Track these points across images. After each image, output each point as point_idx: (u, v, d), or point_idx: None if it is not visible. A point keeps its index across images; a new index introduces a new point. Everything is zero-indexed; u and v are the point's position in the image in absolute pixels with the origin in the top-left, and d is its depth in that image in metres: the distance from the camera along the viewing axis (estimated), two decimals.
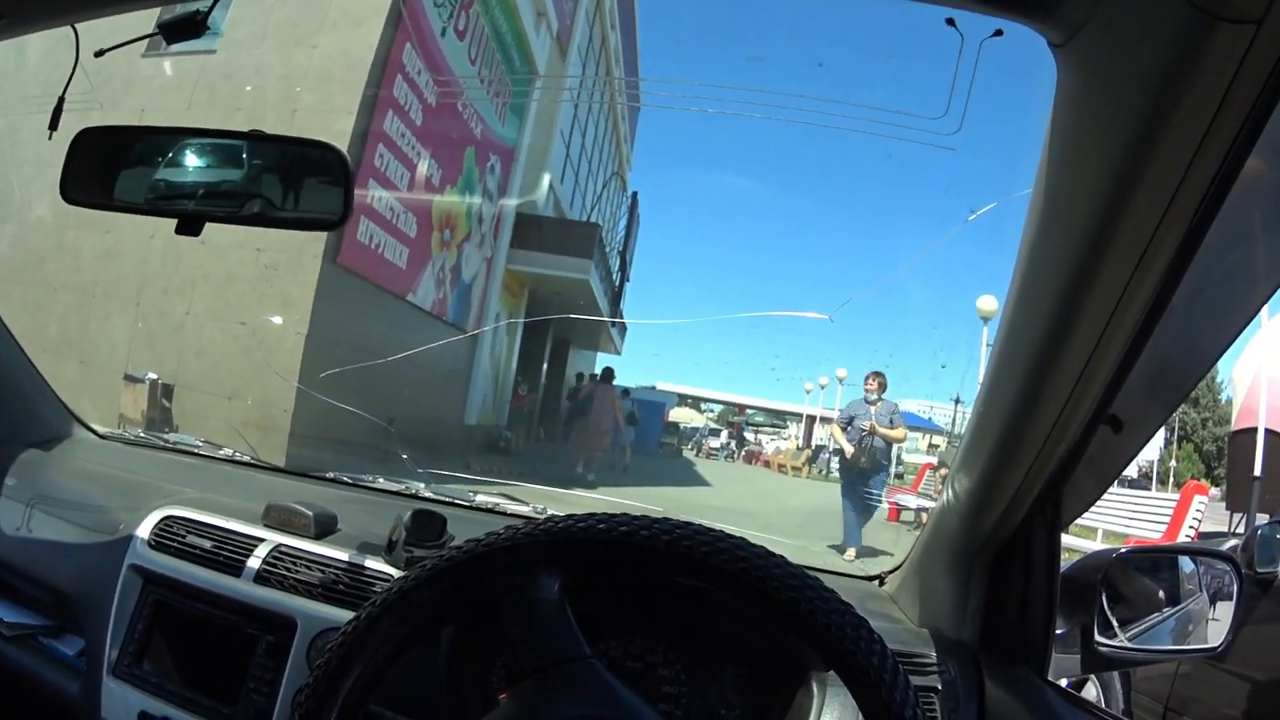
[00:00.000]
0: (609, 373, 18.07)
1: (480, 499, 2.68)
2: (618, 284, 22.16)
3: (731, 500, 16.62)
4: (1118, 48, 0.90)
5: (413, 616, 1.21)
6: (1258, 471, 10.80)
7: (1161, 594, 2.18)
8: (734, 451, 32.52)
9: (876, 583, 2.31)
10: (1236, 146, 0.90)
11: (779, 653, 1.66)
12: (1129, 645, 1.91)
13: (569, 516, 1.23)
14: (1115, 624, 1.87)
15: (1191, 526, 10.59)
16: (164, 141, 1.66)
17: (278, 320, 11.86)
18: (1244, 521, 10.81)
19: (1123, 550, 1.98)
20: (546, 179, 19.45)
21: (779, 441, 33.22)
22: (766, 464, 28.84)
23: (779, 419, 37.86)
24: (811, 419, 29.17)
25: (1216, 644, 2.06)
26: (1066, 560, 1.76)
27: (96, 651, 1.90)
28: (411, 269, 14.91)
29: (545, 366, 22.73)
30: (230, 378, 11.89)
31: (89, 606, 1.96)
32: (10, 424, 2.56)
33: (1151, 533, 11.09)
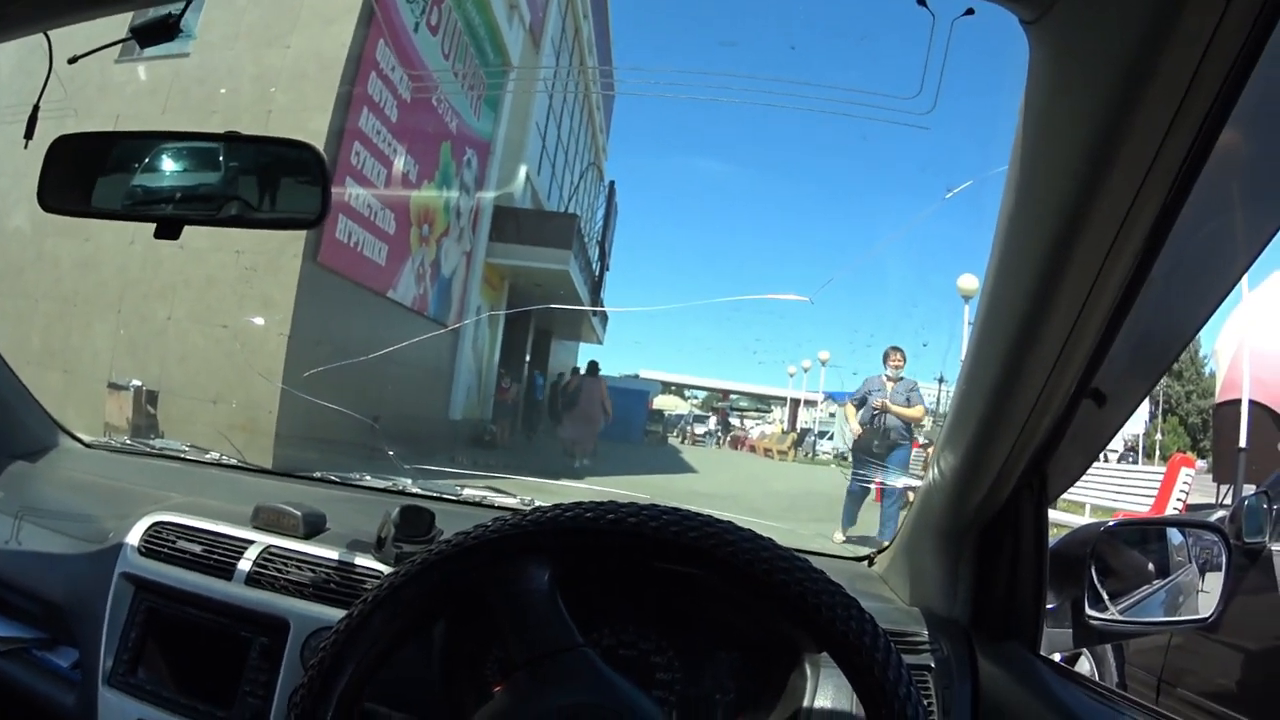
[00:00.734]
0: (594, 366, 18.33)
1: (468, 493, 2.69)
2: (598, 273, 22.19)
3: (718, 486, 16.63)
4: (1089, 24, 0.90)
5: (404, 612, 1.21)
6: (1243, 443, 10.84)
7: (1151, 566, 2.19)
8: (720, 437, 32.55)
9: (866, 563, 2.31)
10: (1210, 120, 0.90)
11: (771, 636, 1.66)
12: (1120, 618, 1.92)
13: (556, 506, 1.22)
14: (1106, 597, 1.87)
15: (1179, 499, 10.63)
16: (140, 146, 1.66)
17: (259, 322, 11.85)
18: (1231, 493, 10.85)
19: (1111, 523, 1.99)
20: (523, 171, 19.45)
21: (764, 426, 33.27)
22: (752, 449, 28.90)
23: (763, 403, 37.93)
24: (795, 402, 29.23)
25: (1207, 615, 2.07)
26: (1055, 535, 1.76)
27: (91, 662, 1.89)
28: (391, 265, 14.90)
29: (528, 359, 22.72)
30: (214, 381, 11.86)
31: (82, 617, 1.95)
32: None
33: (1139, 506, 11.14)
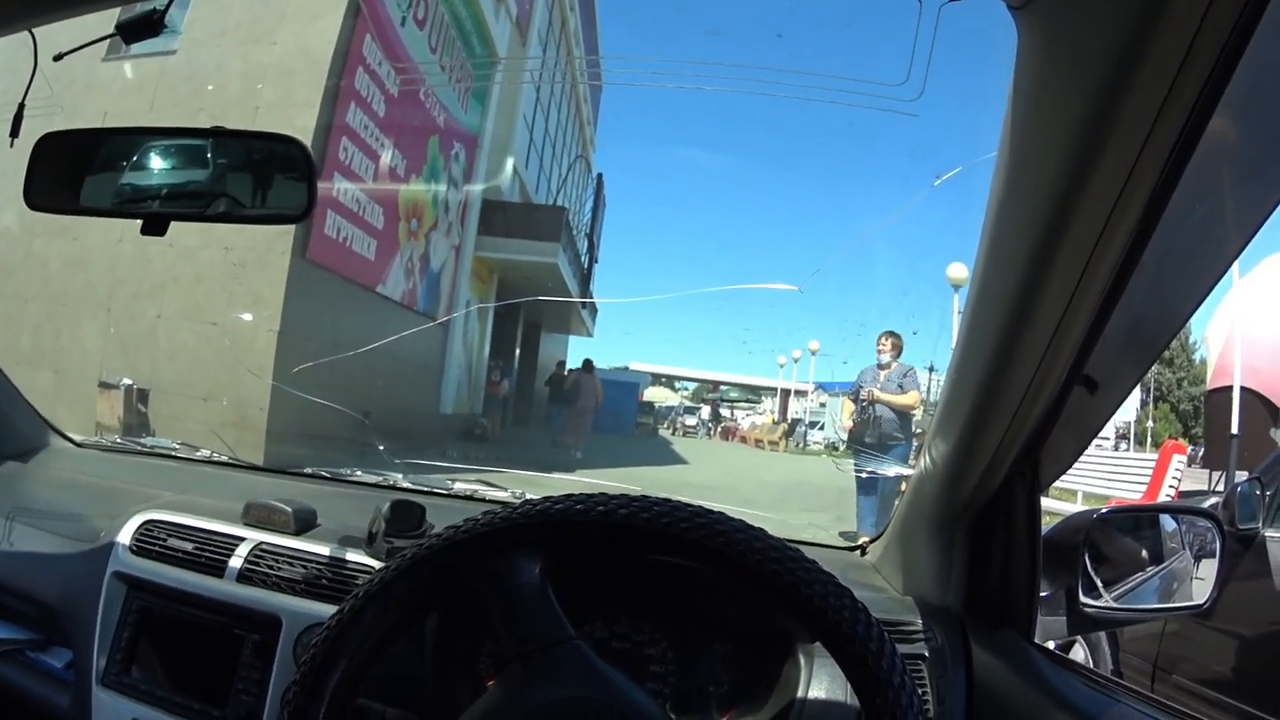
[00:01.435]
0: (589, 363, 19.27)
1: (458, 487, 2.69)
2: (586, 266, 22.27)
3: (709, 477, 16.68)
4: (1077, 8, 0.89)
5: (395, 607, 1.21)
6: (1235, 429, 10.89)
7: (1145, 553, 2.19)
8: (710, 429, 32.60)
9: (858, 553, 2.31)
10: (1200, 104, 0.90)
11: (764, 627, 1.66)
12: (1114, 605, 1.91)
13: (546, 499, 1.22)
14: (1099, 584, 1.87)
15: (1171, 486, 10.64)
16: (127, 142, 1.65)
17: (249, 318, 11.84)
18: (1223, 479, 10.89)
19: (1104, 511, 1.99)
20: (511, 164, 19.48)
21: (755, 417, 33.34)
22: (743, 439, 28.97)
23: (753, 394, 38.02)
24: (786, 393, 29.33)
25: (1202, 601, 2.07)
26: (1048, 523, 1.76)
27: (84, 662, 1.88)
28: (380, 260, 14.91)
29: (518, 352, 22.74)
30: (205, 379, 11.87)
31: (74, 617, 1.94)
32: None
33: (1132, 493, 11.15)
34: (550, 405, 20.48)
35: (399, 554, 1.23)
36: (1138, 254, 1.09)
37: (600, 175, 26.15)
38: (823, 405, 25.51)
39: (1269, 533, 4.49)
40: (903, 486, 2.20)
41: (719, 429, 32.35)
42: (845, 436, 10.13)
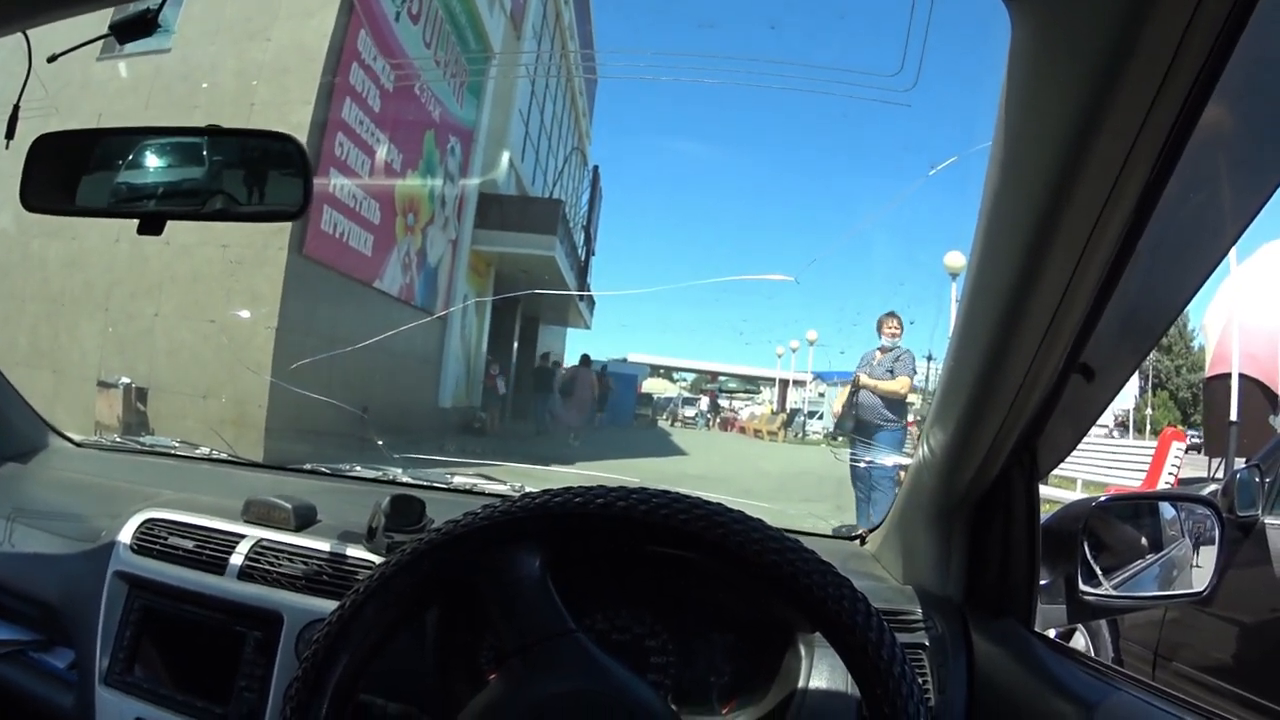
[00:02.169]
0: (586, 358, 20.19)
1: (458, 481, 2.70)
2: (583, 258, 22.30)
3: (709, 468, 16.73)
4: None
5: (395, 602, 1.21)
6: (1234, 416, 10.89)
7: (1144, 541, 2.19)
8: (709, 419, 32.62)
9: (858, 542, 2.32)
10: (1195, 92, 0.90)
11: (765, 617, 1.67)
12: (1114, 593, 1.92)
13: (545, 492, 1.22)
14: (1099, 572, 1.87)
15: (1170, 473, 10.67)
16: (122, 142, 1.65)
17: (247, 315, 11.85)
18: (1222, 466, 10.90)
19: (1103, 499, 1.99)
20: (507, 157, 19.53)
21: (753, 407, 33.37)
22: (742, 430, 29.02)
23: (752, 384, 38.03)
24: (784, 383, 29.32)
25: (1201, 589, 2.07)
26: (1047, 511, 1.76)
27: (87, 662, 1.88)
28: (377, 255, 14.95)
29: (516, 345, 22.77)
30: (203, 377, 11.89)
31: (76, 617, 1.95)
32: None
33: (1131, 481, 11.17)
34: (535, 395, 20.94)
35: (399, 549, 1.23)
36: (1133, 242, 1.09)
37: (596, 168, 26.21)
38: (821, 395, 25.50)
39: (1268, 519, 4.50)
40: (901, 475, 2.20)
41: (718, 420, 32.38)
42: (833, 424, 9.88)
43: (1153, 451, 11.57)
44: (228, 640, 1.79)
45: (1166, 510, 2.28)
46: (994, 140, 1.11)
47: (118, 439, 3.21)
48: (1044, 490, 1.71)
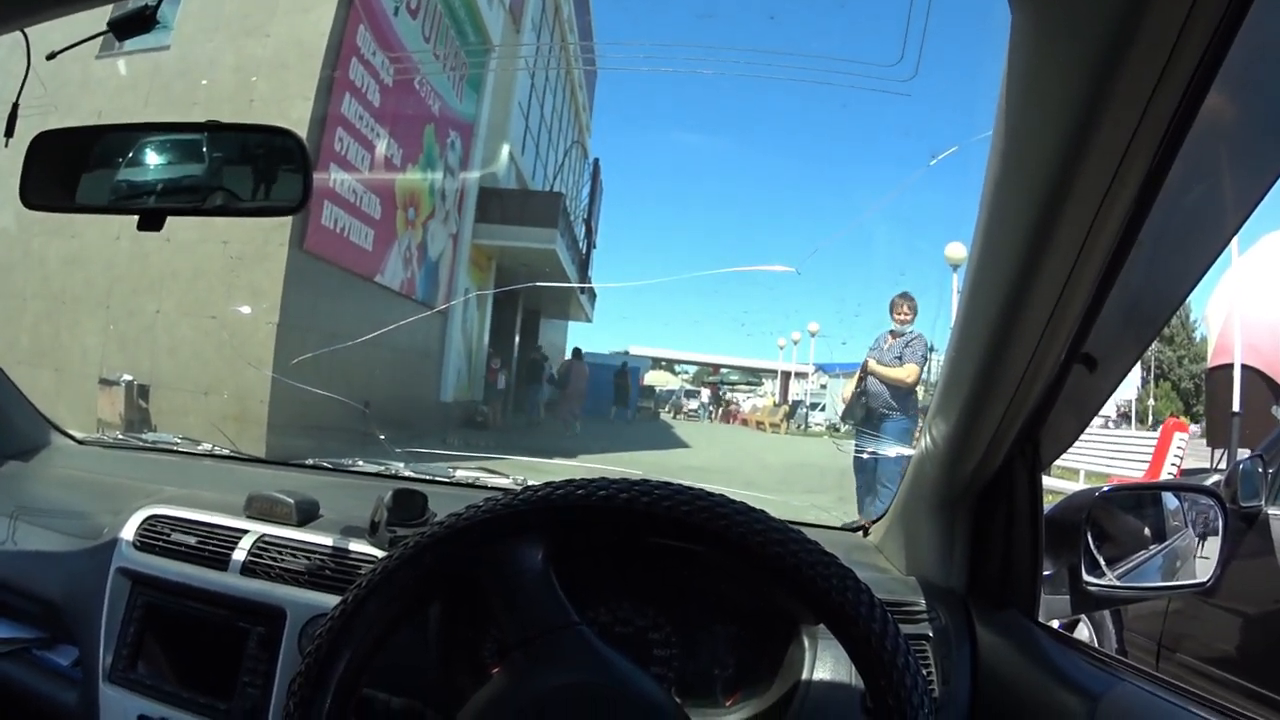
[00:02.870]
0: (578, 351, 21.15)
1: (460, 474, 2.70)
2: (584, 251, 22.34)
3: (711, 460, 16.74)
4: None
5: (398, 596, 1.21)
6: (1236, 407, 10.90)
7: (1147, 531, 2.19)
8: (711, 411, 32.65)
9: (861, 533, 2.31)
10: (1196, 80, 0.90)
11: (768, 609, 1.67)
12: (1117, 584, 1.91)
13: (547, 485, 1.22)
14: (1102, 563, 1.87)
15: (1173, 464, 10.64)
16: (121, 139, 1.65)
17: (248, 311, 11.85)
18: (1225, 457, 10.90)
19: (1106, 489, 1.98)
20: (507, 151, 19.55)
21: (755, 399, 33.37)
22: (744, 422, 29.02)
23: (754, 376, 38.01)
24: (786, 374, 29.34)
25: (1205, 579, 2.07)
26: (1050, 502, 1.76)
27: (91, 659, 1.88)
28: (378, 250, 14.95)
29: (517, 339, 22.81)
30: (205, 373, 11.89)
31: (80, 614, 1.95)
32: None
33: (1134, 472, 11.15)
34: (528, 387, 21.25)
35: (401, 543, 1.23)
36: (1135, 231, 1.09)
37: (596, 160, 26.29)
38: (823, 387, 25.53)
39: (1272, 510, 4.49)
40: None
41: (720, 412, 32.40)
42: (839, 412, 9.70)
43: (1155, 442, 11.55)
44: (231, 636, 1.79)
45: (1170, 501, 2.28)
46: (994, 129, 1.11)
47: (120, 436, 3.21)
48: (1047, 481, 1.71)
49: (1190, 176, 1.05)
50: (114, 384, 11.87)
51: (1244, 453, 7.52)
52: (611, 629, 1.70)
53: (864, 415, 8.55)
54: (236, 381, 11.56)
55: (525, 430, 18.73)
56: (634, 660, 1.21)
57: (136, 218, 1.55)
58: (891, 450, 7.83)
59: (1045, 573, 1.72)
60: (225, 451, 2.98)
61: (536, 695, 1.14)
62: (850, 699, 1.57)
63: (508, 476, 2.63)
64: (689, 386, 37.97)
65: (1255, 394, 11.14)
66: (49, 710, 1.94)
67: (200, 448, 2.96)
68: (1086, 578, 1.79)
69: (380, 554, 1.75)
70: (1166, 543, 2.20)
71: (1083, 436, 1.74)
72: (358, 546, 1.83)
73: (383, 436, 4.69)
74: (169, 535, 1.93)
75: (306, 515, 1.95)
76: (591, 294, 24.67)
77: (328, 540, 1.85)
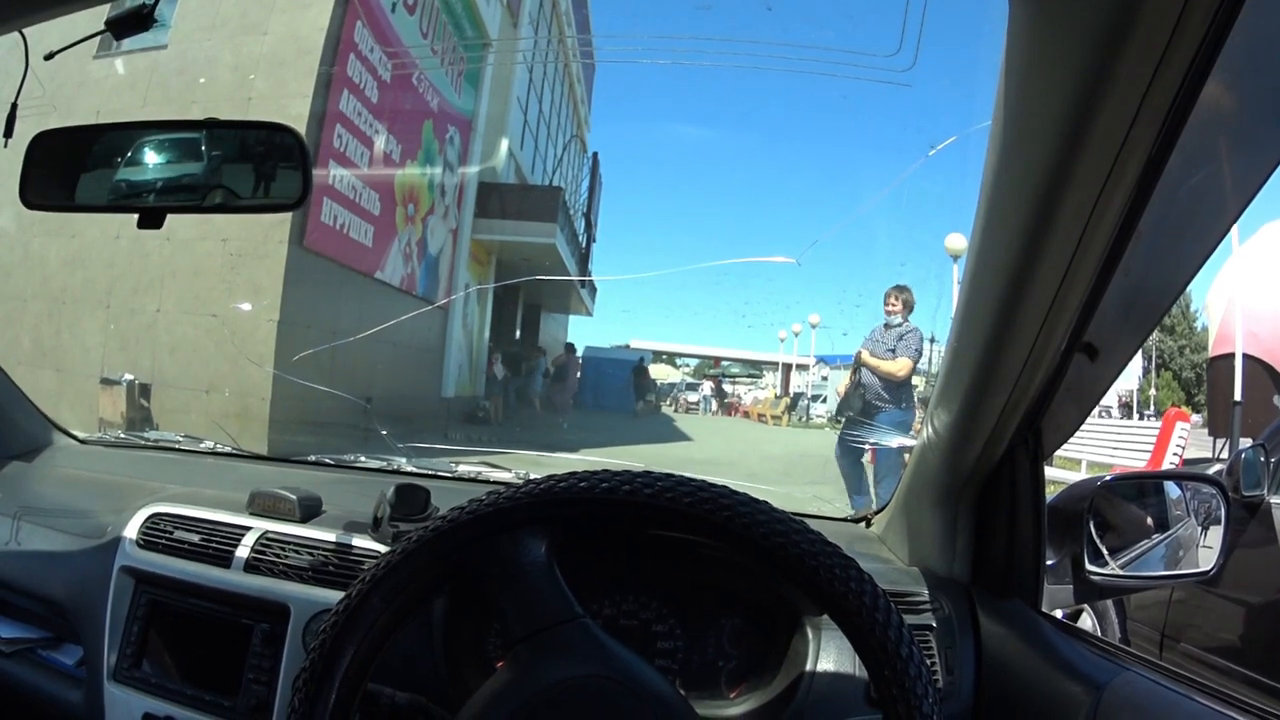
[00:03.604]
0: (570, 346, 21.79)
1: (462, 469, 2.70)
2: (584, 245, 22.36)
3: (714, 453, 16.76)
4: None
5: (402, 591, 1.20)
6: (1238, 396, 10.90)
7: (1150, 520, 2.19)
8: (713, 403, 32.64)
9: (863, 524, 2.32)
10: (1194, 69, 0.90)
11: (771, 600, 1.67)
12: (1120, 573, 1.91)
13: (549, 478, 1.22)
14: (1105, 552, 1.87)
15: (1175, 453, 10.65)
16: (120, 137, 1.65)
17: (248, 309, 11.85)
18: (1227, 446, 10.90)
19: (1108, 478, 1.98)
20: (505, 146, 19.54)
21: (757, 391, 33.36)
22: (746, 414, 29.03)
23: (755, 369, 37.96)
24: (788, 367, 29.31)
25: (1208, 568, 2.06)
26: (1052, 492, 1.76)
27: (95, 658, 1.89)
28: (378, 246, 14.96)
29: (518, 334, 22.82)
30: (206, 371, 11.90)
31: (84, 613, 1.95)
32: None
33: (1136, 461, 11.16)
34: (513, 382, 21.18)
35: (404, 538, 1.23)
36: (1134, 220, 1.09)
37: (596, 154, 26.20)
38: (824, 379, 25.50)
39: (1274, 499, 4.49)
40: (907, 457, 2.20)
41: (722, 405, 32.41)
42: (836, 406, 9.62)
43: (1157, 432, 11.55)
44: (235, 633, 1.79)
45: (1172, 490, 2.27)
46: (994, 119, 1.11)
47: (122, 435, 3.22)
48: (1049, 471, 1.71)
49: (1189, 165, 1.05)
50: (115, 383, 11.88)
51: (1246, 442, 7.52)
52: (616, 621, 1.71)
53: (860, 407, 8.37)
54: (238, 379, 11.57)
55: (527, 425, 18.81)
56: (638, 653, 1.21)
57: (136, 216, 1.55)
58: (886, 443, 7.82)
59: (1048, 562, 1.72)
60: (227, 449, 2.98)
61: (541, 688, 1.14)
62: (854, 690, 1.57)
63: (510, 471, 2.64)
64: (690, 379, 37.96)
65: (1257, 383, 11.15)
66: (54, 710, 1.94)
67: (202, 445, 2.97)
68: (1089, 567, 1.79)
69: (383, 549, 1.75)
70: (1169, 532, 2.20)
71: (1084, 427, 1.74)
72: (361, 542, 1.83)
73: (385, 432, 4.70)
74: (172, 533, 1.93)
75: (309, 511, 1.95)
76: (592, 288, 24.68)
77: (331, 536, 1.85)
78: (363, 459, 2.82)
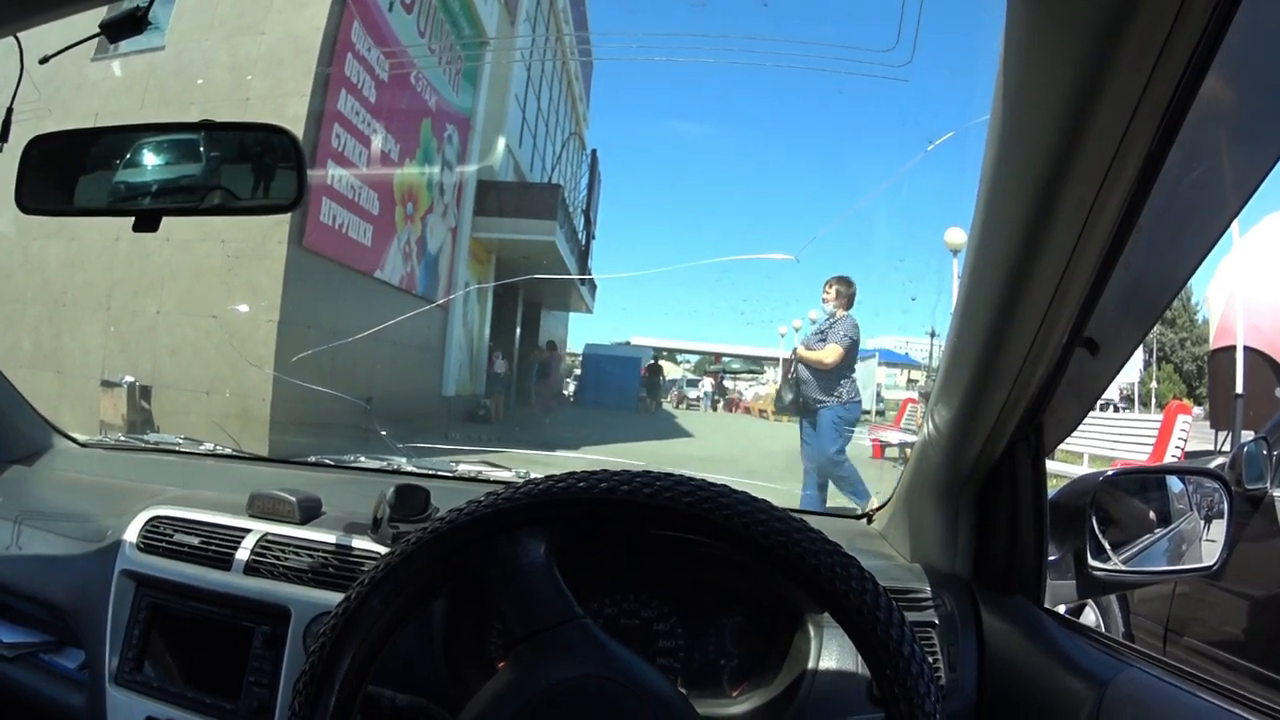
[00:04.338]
0: (552, 344, 22.16)
1: (463, 469, 2.71)
2: (584, 243, 22.36)
3: (714, 450, 16.76)
4: None
5: (401, 592, 1.20)
6: (1239, 389, 10.90)
7: (1152, 515, 2.18)
8: (715, 401, 32.68)
9: (865, 521, 2.31)
10: (1194, 61, 0.89)
11: (772, 598, 1.67)
12: (1123, 568, 1.91)
13: (548, 478, 1.22)
14: (1108, 547, 1.86)
15: (1177, 447, 10.64)
16: (116, 140, 1.65)
17: (248, 310, 11.86)
18: (1229, 439, 10.91)
19: (1110, 473, 1.98)
20: (504, 144, 19.58)
21: (757, 387, 33.37)
22: (746, 410, 29.05)
23: (756, 365, 37.99)
24: (788, 362, 29.37)
25: (1211, 563, 2.06)
26: (1054, 487, 1.76)
27: (97, 662, 1.89)
28: (377, 246, 15.00)
29: (519, 332, 22.84)
30: (206, 373, 11.93)
31: (85, 617, 1.95)
32: None
33: (1138, 455, 11.15)
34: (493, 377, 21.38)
35: (404, 539, 1.23)
36: (1135, 214, 1.09)
37: (594, 151, 26.26)
38: None
39: (1277, 493, 4.48)
40: (908, 453, 2.19)
41: (722, 401, 32.45)
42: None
43: (1159, 425, 11.55)
44: (236, 635, 1.79)
45: (1174, 484, 2.27)
46: (992, 113, 1.10)
47: (122, 438, 3.22)
48: (1050, 465, 1.71)
49: (1190, 158, 1.05)
50: (116, 386, 11.89)
51: (1248, 435, 7.52)
52: (616, 621, 1.71)
53: (792, 401, 8.27)
54: (238, 380, 11.60)
55: (528, 424, 18.86)
56: (639, 652, 1.21)
57: (132, 219, 1.54)
58: (821, 441, 7.76)
59: (1050, 558, 1.72)
60: (228, 451, 2.99)
61: (542, 689, 1.13)
62: (856, 687, 1.57)
63: (510, 470, 2.64)
64: (690, 375, 38.01)
65: (1258, 376, 11.16)
66: (57, 713, 1.94)
67: (203, 447, 2.97)
68: (1092, 562, 1.78)
69: (383, 550, 1.74)
70: (1172, 526, 2.19)
71: (1085, 421, 1.73)
72: (360, 543, 1.83)
73: (384, 432, 4.71)
74: (172, 536, 1.93)
75: (309, 513, 1.94)
76: (592, 285, 24.72)
77: (330, 538, 1.85)
78: (363, 459, 2.82)
